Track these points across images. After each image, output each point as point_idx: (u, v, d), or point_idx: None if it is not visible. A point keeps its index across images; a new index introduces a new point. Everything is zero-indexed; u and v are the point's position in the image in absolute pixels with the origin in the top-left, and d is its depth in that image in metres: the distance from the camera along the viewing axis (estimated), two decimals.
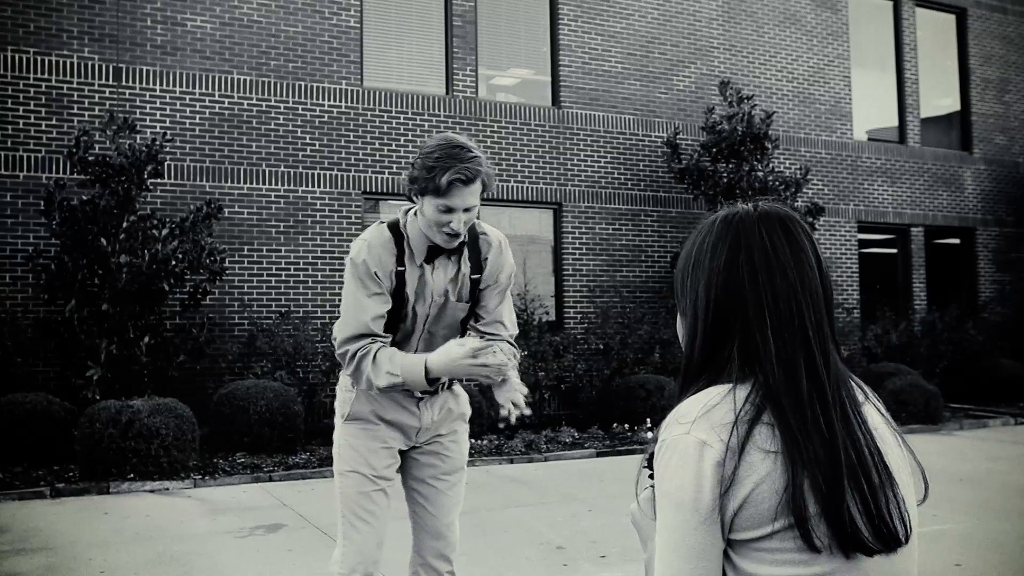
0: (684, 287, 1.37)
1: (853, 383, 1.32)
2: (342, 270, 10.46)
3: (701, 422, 1.22)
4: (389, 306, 2.69)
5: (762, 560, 1.19)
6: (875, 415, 1.31)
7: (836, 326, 1.35)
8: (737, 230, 1.32)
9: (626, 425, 10.30)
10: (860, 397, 1.31)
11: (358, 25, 10.75)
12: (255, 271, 10.01)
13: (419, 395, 2.79)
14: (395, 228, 2.72)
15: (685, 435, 1.22)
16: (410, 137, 10.88)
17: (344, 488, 2.81)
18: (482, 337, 2.81)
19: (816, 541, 1.16)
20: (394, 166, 10.77)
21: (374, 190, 10.68)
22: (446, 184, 2.52)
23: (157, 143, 8.71)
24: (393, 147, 10.79)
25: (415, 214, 2.70)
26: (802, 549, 1.18)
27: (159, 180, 9.31)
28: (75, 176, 8.75)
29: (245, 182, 10.02)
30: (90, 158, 8.45)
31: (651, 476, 1.46)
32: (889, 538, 1.20)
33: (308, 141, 10.36)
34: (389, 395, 2.76)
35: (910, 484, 1.28)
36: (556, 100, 11.85)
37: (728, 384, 1.26)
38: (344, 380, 2.85)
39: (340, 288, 10.39)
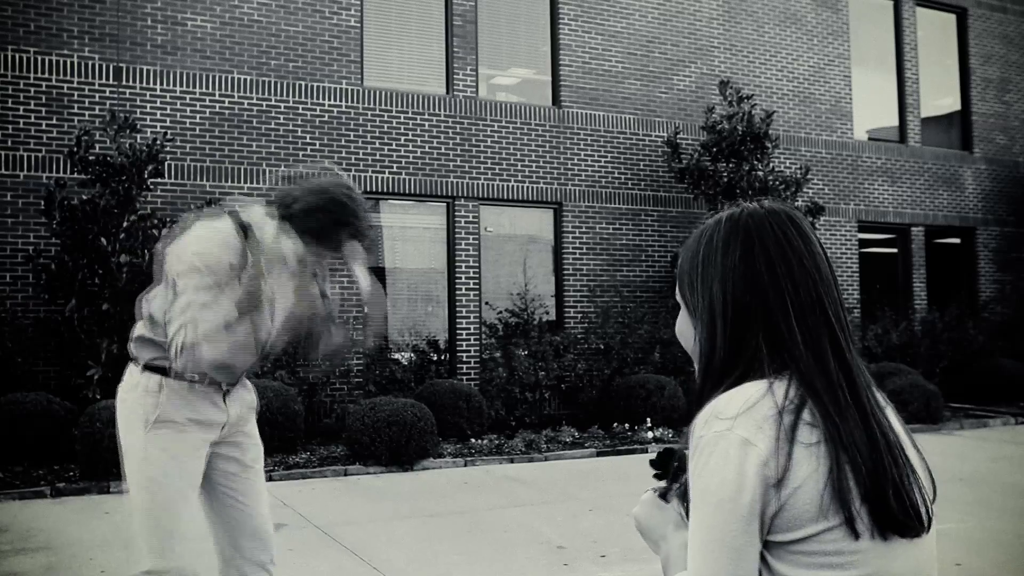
0: (694, 287, 1.36)
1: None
2: (342, 269, 10.48)
3: (744, 419, 1.20)
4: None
5: (798, 563, 1.18)
6: (892, 416, 1.32)
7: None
8: (747, 224, 1.33)
9: (626, 425, 10.30)
10: (882, 400, 1.32)
11: (358, 25, 10.75)
12: None
13: (225, 387, 2.74)
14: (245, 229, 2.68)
15: (728, 431, 1.19)
16: (410, 137, 10.88)
17: (160, 497, 2.60)
18: None
19: (859, 525, 1.17)
20: (394, 166, 10.77)
21: (374, 190, 10.68)
22: (346, 245, 2.65)
23: (157, 143, 8.71)
24: (393, 147, 10.79)
25: (272, 223, 2.68)
26: (839, 552, 1.17)
27: (159, 179, 9.31)
28: (75, 176, 8.75)
29: (245, 181, 10.02)
30: (91, 157, 8.45)
31: (656, 476, 1.46)
32: (916, 519, 1.21)
33: (308, 141, 10.36)
34: (200, 392, 2.67)
35: (926, 482, 1.28)
36: (556, 100, 11.85)
37: (763, 380, 1.24)
38: (147, 381, 2.66)
39: (339, 287, 10.37)
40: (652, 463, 1.46)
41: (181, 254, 2.59)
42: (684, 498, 1.36)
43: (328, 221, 2.65)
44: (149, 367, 2.69)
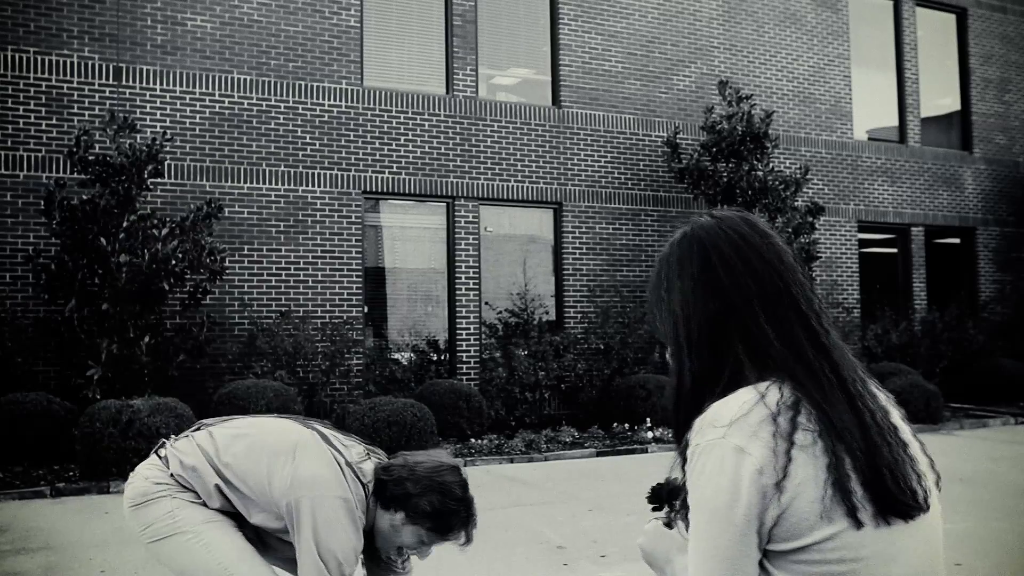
0: (661, 312, 1.33)
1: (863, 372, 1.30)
2: (342, 269, 10.50)
3: (737, 426, 1.17)
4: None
5: (800, 573, 1.16)
6: (892, 407, 1.29)
7: (825, 306, 1.34)
8: (700, 236, 1.31)
9: (626, 425, 10.30)
10: (873, 385, 1.29)
11: (358, 24, 10.75)
12: (255, 271, 10.01)
13: None
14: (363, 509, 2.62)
15: (721, 439, 1.17)
16: (410, 136, 10.88)
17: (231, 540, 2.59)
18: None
19: (862, 514, 1.14)
20: (394, 166, 10.77)
21: (374, 189, 10.68)
22: (461, 537, 2.64)
23: (157, 142, 8.71)
24: (393, 147, 10.79)
25: (386, 509, 2.61)
26: (841, 560, 1.14)
27: (159, 179, 9.31)
28: (75, 176, 8.75)
29: (245, 181, 10.02)
30: (90, 157, 8.45)
31: (653, 509, 1.47)
32: (912, 498, 1.18)
33: (308, 141, 10.36)
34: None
35: (924, 466, 1.25)
36: (556, 100, 11.85)
37: (754, 386, 1.21)
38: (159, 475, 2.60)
39: (340, 287, 10.38)
40: (648, 499, 1.48)
41: (324, 543, 2.47)
42: (687, 519, 1.35)
43: (448, 525, 2.63)
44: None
